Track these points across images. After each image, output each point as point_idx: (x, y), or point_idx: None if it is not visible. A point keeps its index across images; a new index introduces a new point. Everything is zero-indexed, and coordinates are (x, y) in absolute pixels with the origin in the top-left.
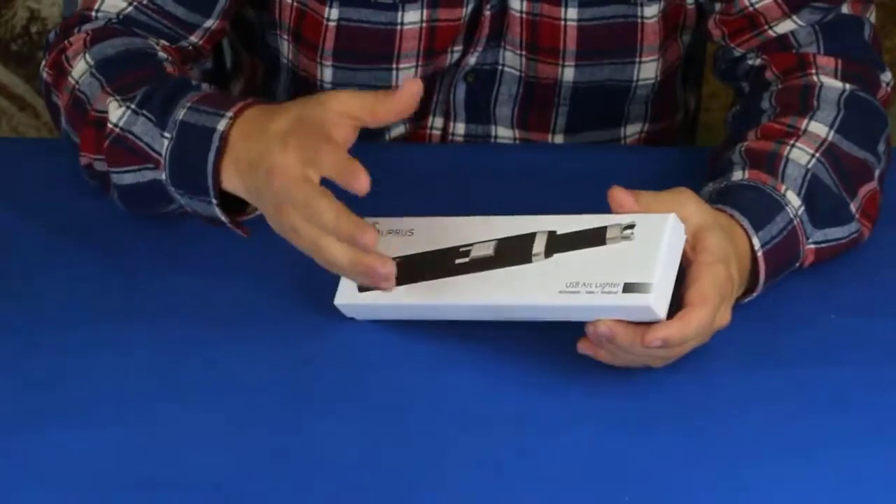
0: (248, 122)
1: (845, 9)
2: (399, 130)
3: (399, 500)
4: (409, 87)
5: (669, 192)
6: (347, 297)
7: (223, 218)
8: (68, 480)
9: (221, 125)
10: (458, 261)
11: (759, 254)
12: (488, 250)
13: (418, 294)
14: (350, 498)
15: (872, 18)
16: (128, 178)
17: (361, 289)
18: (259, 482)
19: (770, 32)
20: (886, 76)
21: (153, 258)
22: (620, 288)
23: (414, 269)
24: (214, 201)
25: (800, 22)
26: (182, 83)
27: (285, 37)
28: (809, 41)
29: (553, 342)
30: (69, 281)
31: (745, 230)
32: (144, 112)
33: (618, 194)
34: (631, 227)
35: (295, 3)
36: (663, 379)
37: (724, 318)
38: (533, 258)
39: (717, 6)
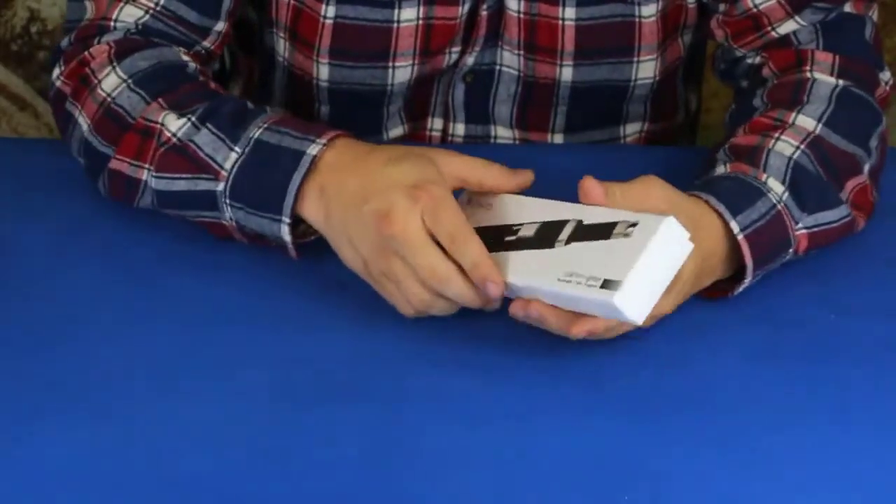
0: (342, 152)
1: (848, 7)
2: (398, 132)
3: (399, 500)
4: (527, 174)
5: (638, 182)
6: None
7: (287, 238)
8: (68, 480)
9: (313, 150)
10: (506, 238)
11: (740, 237)
12: (531, 231)
13: None
14: (350, 498)
15: (875, 17)
16: (179, 185)
17: None
18: (259, 482)
19: (773, 33)
20: (886, 75)
21: (153, 258)
22: (600, 283)
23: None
24: (287, 220)
25: (802, 22)
26: (244, 102)
27: (282, 35)
28: (810, 39)
29: (554, 342)
30: (69, 281)
31: (720, 215)
32: (209, 125)
33: (587, 185)
34: (634, 225)
35: (292, 1)
36: (663, 379)
37: (663, 306)
38: (556, 244)
39: (721, 7)
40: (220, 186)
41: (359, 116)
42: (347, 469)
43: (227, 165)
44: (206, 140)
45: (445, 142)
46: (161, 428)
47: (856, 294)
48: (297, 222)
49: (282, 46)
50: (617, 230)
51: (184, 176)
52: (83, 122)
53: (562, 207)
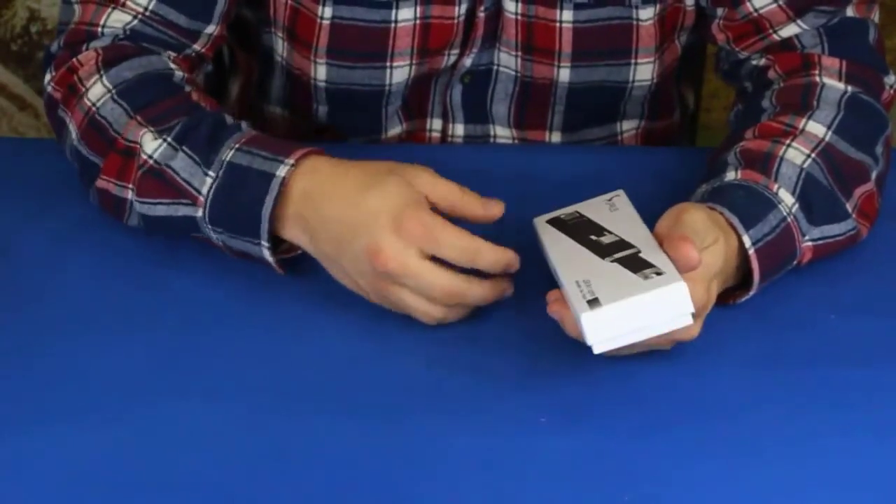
0: (314, 175)
1: (850, 11)
2: (396, 132)
3: (399, 500)
4: (497, 206)
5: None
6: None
7: (270, 260)
8: (69, 480)
9: (282, 171)
10: (591, 235)
11: (751, 252)
12: (607, 240)
13: (550, 235)
14: (350, 498)
15: (876, 20)
16: (159, 210)
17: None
18: (259, 482)
19: (775, 36)
20: (890, 79)
21: (152, 258)
22: (589, 299)
23: (579, 226)
24: (266, 244)
25: (804, 26)
26: (221, 119)
27: (280, 35)
28: (814, 44)
29: (554, 343)
30: (69, 281)
31: (734, 228)
32: (185, 148)
33: (688, 252)
34: (659, 273)
35: (289, 2)
36: (664, 379)
37: (703, 299)
38: (607, 258)
39: (720, 11)
40: (200, 212)
41: (357, 117)
42: (347, 469)
43: (204, 190)
44: (182, 165)
45: (445, 142)
46: (161, 428)
47: (856, 294)
48: (279, 241)
49: (280, 46)
50: (647, 270)
51: (163, 201)
52: (73, 130)
53: (643, 234)
